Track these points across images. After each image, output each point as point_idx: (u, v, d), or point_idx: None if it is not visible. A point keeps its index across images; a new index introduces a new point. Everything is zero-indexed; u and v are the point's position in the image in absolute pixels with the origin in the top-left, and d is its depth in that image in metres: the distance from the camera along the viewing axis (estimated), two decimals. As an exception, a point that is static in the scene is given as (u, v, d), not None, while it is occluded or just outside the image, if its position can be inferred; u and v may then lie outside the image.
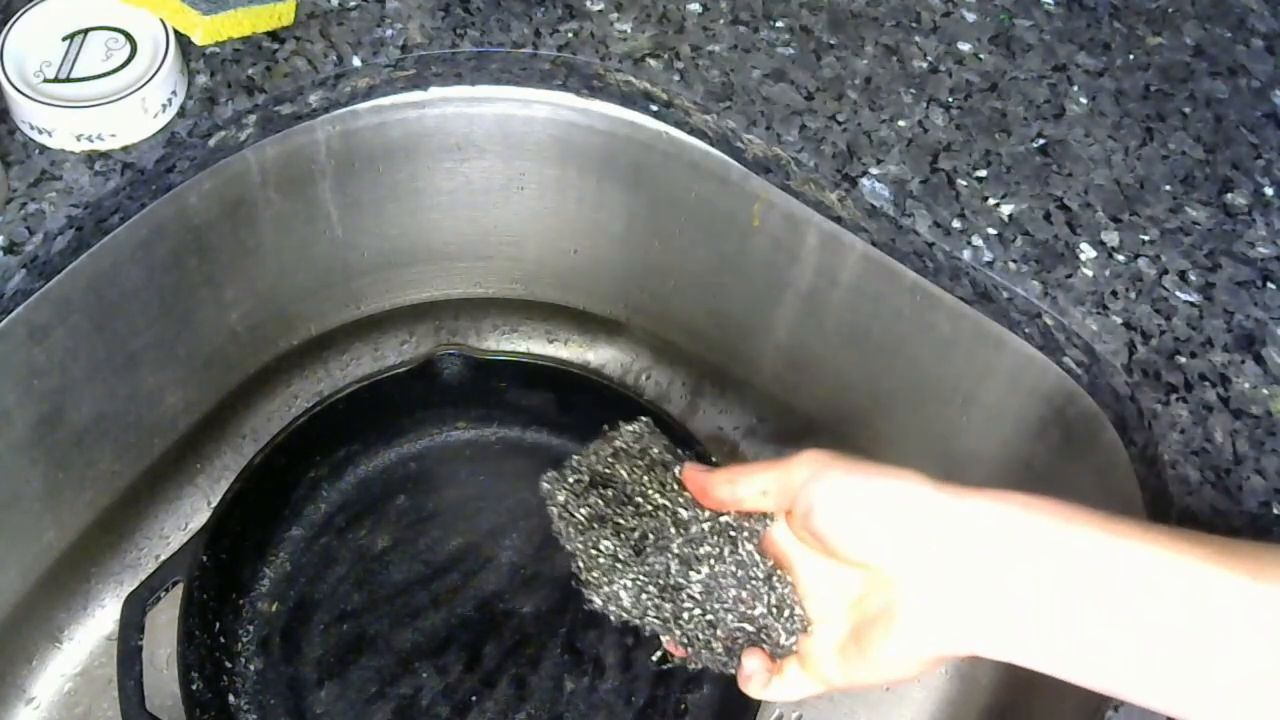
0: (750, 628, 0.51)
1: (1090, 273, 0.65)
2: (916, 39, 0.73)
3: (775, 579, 0.50)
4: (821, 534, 0.46)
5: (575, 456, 0.56)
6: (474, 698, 0.73)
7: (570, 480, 0.55)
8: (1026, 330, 0.66)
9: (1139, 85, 0.72)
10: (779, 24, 0.73)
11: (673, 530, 0.51)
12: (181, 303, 0.72)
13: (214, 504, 0.74)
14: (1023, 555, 0.42)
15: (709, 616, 0.51)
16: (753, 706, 0.69)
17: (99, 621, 0.78)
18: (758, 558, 0.50)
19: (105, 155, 0.63)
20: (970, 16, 0.75)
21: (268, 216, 0.74)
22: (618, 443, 0.55)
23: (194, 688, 0.68)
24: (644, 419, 0.55)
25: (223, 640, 0.73)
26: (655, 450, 0.54)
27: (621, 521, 0.53)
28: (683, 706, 0.74)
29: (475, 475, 0.82)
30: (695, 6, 0.73)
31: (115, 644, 0.67)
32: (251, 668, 0.74)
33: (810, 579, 0.50)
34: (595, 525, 0.53)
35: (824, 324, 0.76)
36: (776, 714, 0.78)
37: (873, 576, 0.46)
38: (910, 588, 0.44)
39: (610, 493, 0.53)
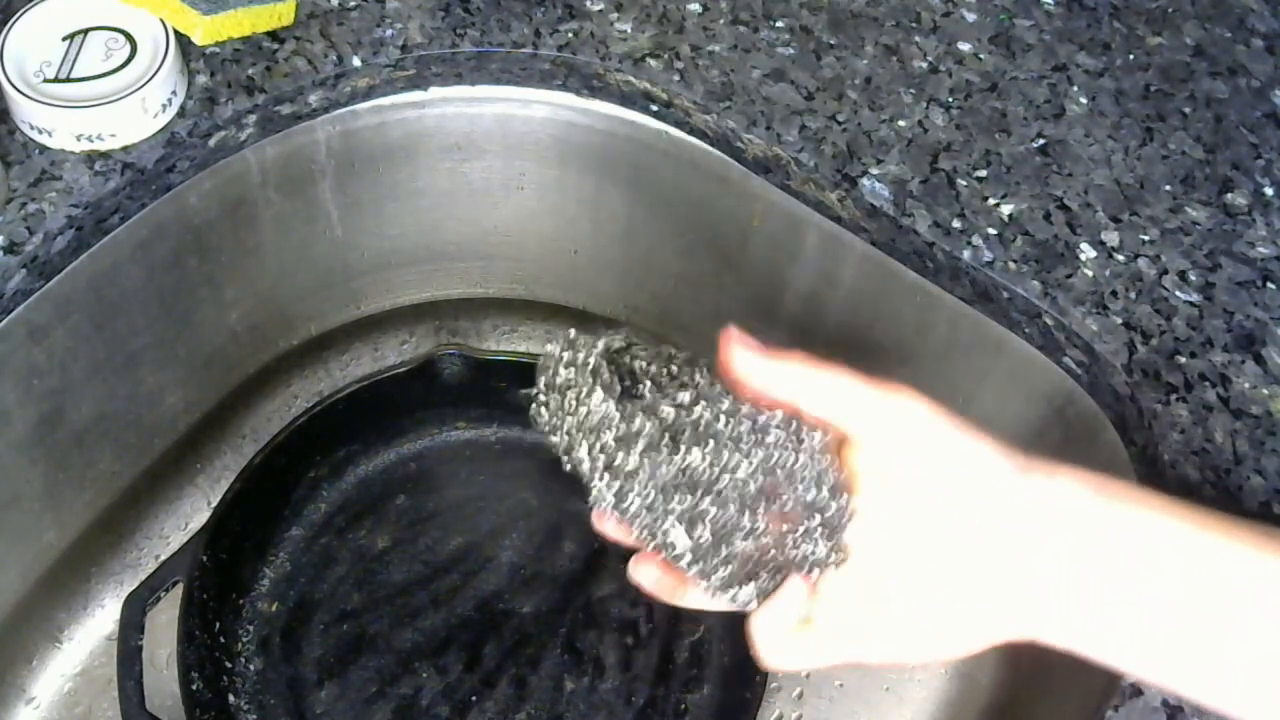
0: (792, 536, 0.43)
1: (1090, 273, 0.65)
2: (916, 39, 0.73)
3: (837, 485, 0.43)
4: (899, 480, 0.42)
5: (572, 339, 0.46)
6: (474, 698, 0.73)
7: (579, 355, 0.46)
8: (1026, 330, 0.66)
9: (1139, 85, 0.72)
10: (779, 24, 0.73)
11: (712, 416, 0.43)
12: (181, 303, 0.72)
13: (214, 504, 0.74)
14: (1095, 540, 0.41)
15: (743, 521, 0.43)
16: (753, 706, 0.69)
17: (99, 621, 0.78)
18: (822, 459, 0.43)
19: (105, 155, 0.63)
20: (970, 16, 0.75)
21: (268, 216, 0.74)
22: (615, 340, 0.46)
23: (194, 688, 0.68)
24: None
25: (223, 640, 0.73)
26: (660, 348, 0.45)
27: (650, 400, 0.43)
28: (683, 706, 0.74)
29: (475, 475, 0.82)
30: (695, 6, 0.73)
31: (115, 644, 0.67)
32: (251, 668, 0.74)
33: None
34: (620, 402, 0.44)
35: (824, 324, 0.76)
36: (776, 714, 0.78)
37: (919, 541, 0.43)
38: (963, 564, 0.42)
39: (624, 375, 0.45)
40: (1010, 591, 0.42)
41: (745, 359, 0.44)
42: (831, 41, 0.73)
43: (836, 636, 0.45)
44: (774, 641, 0.45)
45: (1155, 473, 0.59)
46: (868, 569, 0.44)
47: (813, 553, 0.43)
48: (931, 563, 0.42)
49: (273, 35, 0.69)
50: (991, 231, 0.66)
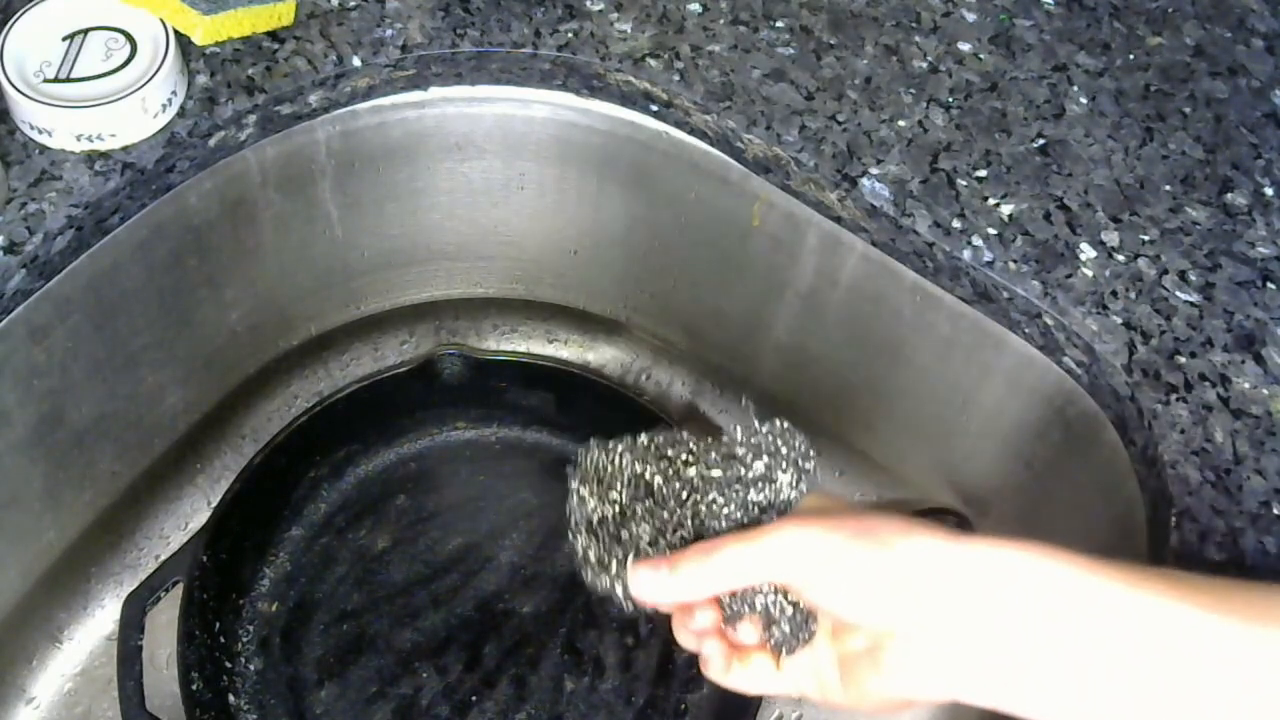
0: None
1: (1090, 273, 0.65)
2: (916, 39, 0.73)
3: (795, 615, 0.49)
4: (818, 609, 0.46)
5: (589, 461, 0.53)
6: (474, 698, 0.73)
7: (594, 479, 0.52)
8: (1026, 330, 0.66)
9: (1139, 85, 0.72)
10: (779, 24, 0.73)
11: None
12: (181, 303, 0.72)
13: (214, 504, 0.74)
14: (1016, 602, 0.41)
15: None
16: (753, 707, 0.69)
17: (99, 621, 0.78)
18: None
19: (105, 155, 0.63)
20: (970, 16, 0.75)
21: (268, 216, 0.74)
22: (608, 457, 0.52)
23: (194, 688, 0.68)
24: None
25: (223, 640, 0.73)
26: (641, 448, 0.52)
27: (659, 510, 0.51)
28: (683, 706, 0.74)
29: (475, 475, 0.82)
30: (695, 6, 0.73)
31: (115, 644, 0.67)
32: (251, 668, 0.74)
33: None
34: (633, 514, 0.51)
35: (824, 324, 0.76)
36: (776, 714, 0.78)
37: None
38: (903, 637, 0.44)
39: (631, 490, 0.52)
40: (933, 656, 0.43)
41: (649, 584, 0.47)
42: (831, 41, 0.73)
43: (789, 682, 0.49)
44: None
45: (1155, 473, 0.59)
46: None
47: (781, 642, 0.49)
48: (862, 638, 0.46)
49: (273, 35, 0.69)
50: (991, 231, 0.66)
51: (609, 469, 0.51)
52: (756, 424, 0.51)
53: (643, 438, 0.52)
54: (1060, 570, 0.41)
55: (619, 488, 0.51)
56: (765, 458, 0.50)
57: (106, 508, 0.76)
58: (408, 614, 0.76)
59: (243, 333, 0.79)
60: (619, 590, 0.49)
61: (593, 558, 0.50)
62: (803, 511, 0.48)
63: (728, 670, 0.50)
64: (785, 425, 0.51)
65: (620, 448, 0.52)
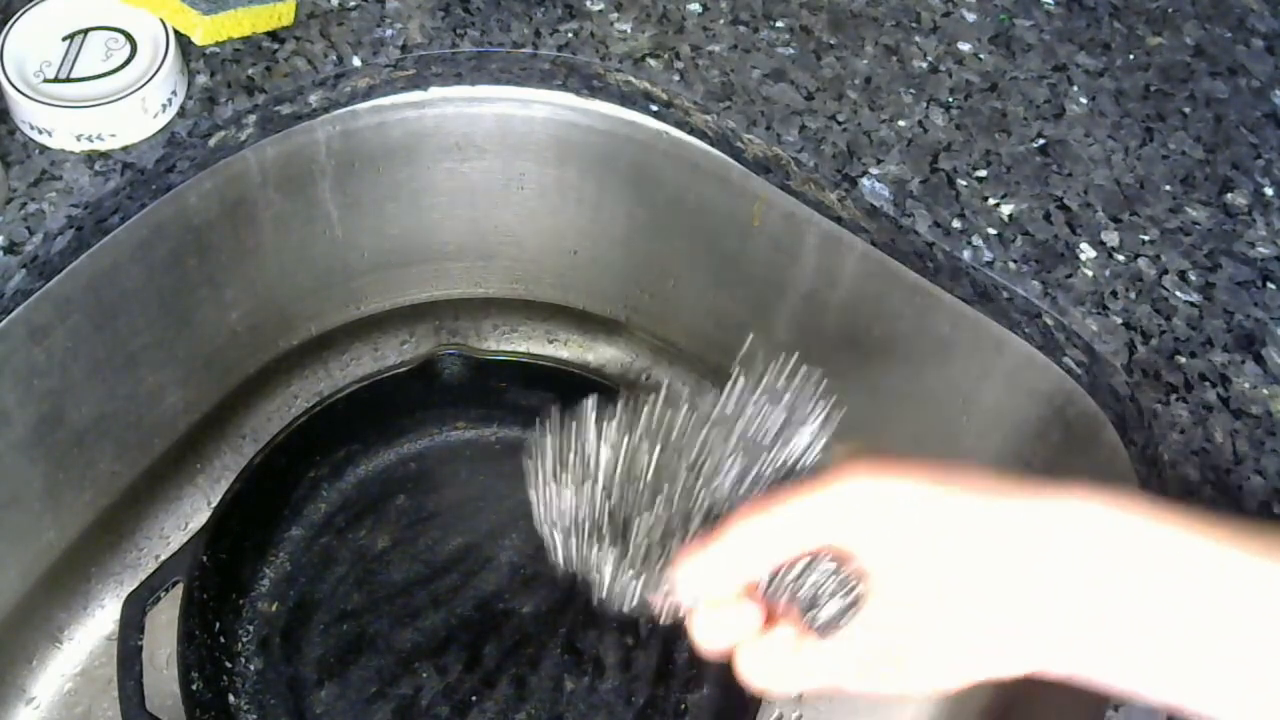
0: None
1: (1090, 273, 0.65)
2: (916, 39, 0.73)
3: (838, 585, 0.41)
4: (895, 577, 0.40)
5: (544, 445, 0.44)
6: (474, 698, 0.73)
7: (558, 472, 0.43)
8: (1026, 330, 0.66)
9: (1139, 85, 0.72)
10: (779, 24, 0.73)
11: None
12: (181, 303, 0.72)
13: (214, 504, 0.74)
14: (1085, 553, 0.39)
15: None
16: (753, 707, 0.69)
17: (99, 621, 0.78)
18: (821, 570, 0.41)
19: (105, 155, 0.63)
20: (970, 16, 0.75)
21: (268, 216, 0.74)
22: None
23: (194, 688, 0.68)
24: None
25: (223, 640, 0.73)
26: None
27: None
28: (683, 706, 0.74)
29: (475, 475, 0.82)
30: (695, 6, 0.73)
31: (115, 644, 0.67)
32: (251, 668, 0.74)
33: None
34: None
35: (824, 324, 0.76)
36: (776, 714, 0.78)
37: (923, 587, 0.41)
38: (973, 605, 0.40)
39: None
40: (1025, 619, 0.40)
41: (694, 576, 0.41)
42: (831, 41, 0.73)
43: (836, 660, 0.43)
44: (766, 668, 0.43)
45: (1155, 473, 0.59)
46: (883, 619, 0.42)
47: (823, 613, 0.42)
48: (949, 602, 0.41)
49: (273, 35, 0.69)
50: (991, 231, 0.66)
51: (579, 449, 0.43)
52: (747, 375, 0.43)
53: (607, 410, 0.43)
54: (1158, 529, 0.38)
55: (596, 471, 0.42)
56: (780, 410, 0.42)
57: (106, 508, 0.76)
58: (408, 614, 0.76)
59: (243, 333, 0.79)
60: (629, 594, 0.42)
61: (581, 559, 0.43)
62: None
63: (762, 667, 0.43)
64: (793, 366, 0.43)
65: (586, 423, 0.43)
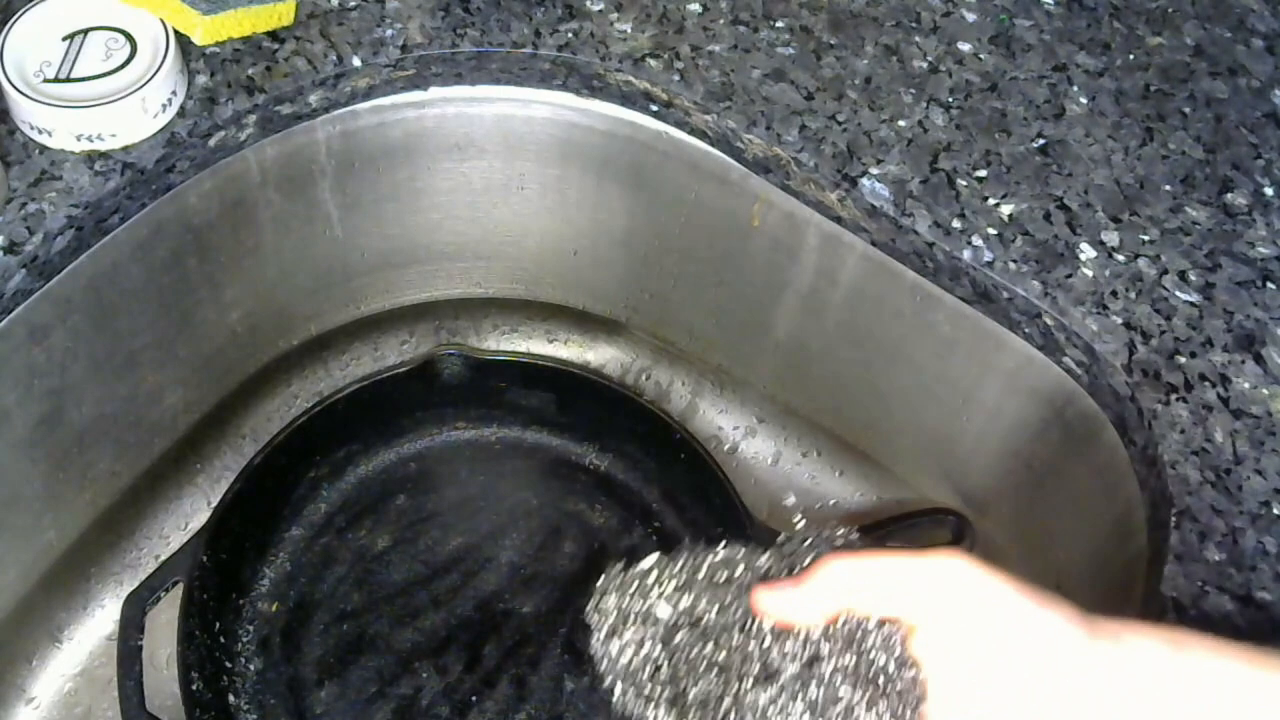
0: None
1: (1090, 273, 0.65)
2: (916, 39, 0.73)
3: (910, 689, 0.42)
4: (965, 655, 0.40)
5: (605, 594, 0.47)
6: (474, 698, 0.73)
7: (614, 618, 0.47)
8: (1026, 330, 0.66)
9: (1139, 85, 0.72)
10: (779, 24, 0.73)
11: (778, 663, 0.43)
12: (181, 303, 0.72)
13: (214, 504, 0.74)
14: (1175, 698, 0.39)
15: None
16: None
17: (99, 621, 0.78)
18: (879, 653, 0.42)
19: (105, 155, 0.63)
20: (970, 16, 0.75)
21: (268, 216, 0.74)
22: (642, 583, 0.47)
23: (194, 688, 0.68)
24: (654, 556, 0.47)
25: (223, 640, 0.73)
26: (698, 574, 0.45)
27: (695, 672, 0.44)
28: (683, 706, 0.74)
29: (475, 475, 0.82)
30: (695, 6, 0.73)
31: (115, 644, 0.67)
32: (251, 668, 0.74)
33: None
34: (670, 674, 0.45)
35: (824, 324, 0.76)
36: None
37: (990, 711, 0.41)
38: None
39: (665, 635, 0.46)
40: None
41: (777, 604, 0.42)
42: (831, 41, 0.73)
43: None
44: None
45: (1155, 473, 0.59)
46: None
47: None
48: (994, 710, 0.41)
49: (273, 35, 0.69)
50: (991, 231, 0.66)
51: (642, 606, 0.45)
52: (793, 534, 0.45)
53: (665, 561, 0.46)
54: (1188, 663, 0.39)
55: (656, 630, 0.45)
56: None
57: (106, 508, 0.76)
58: (408, 614, 0.76)
59: (243, 333, 0.79)
60: None
61: (639, 712, 0.45)
62: None
63: None
64: (840, 532, 0.45)
65: (646, 572, 0.46)
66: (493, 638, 0.76)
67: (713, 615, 0.44)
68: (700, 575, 0.45)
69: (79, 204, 0.62)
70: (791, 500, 0.85)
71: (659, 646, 0.45)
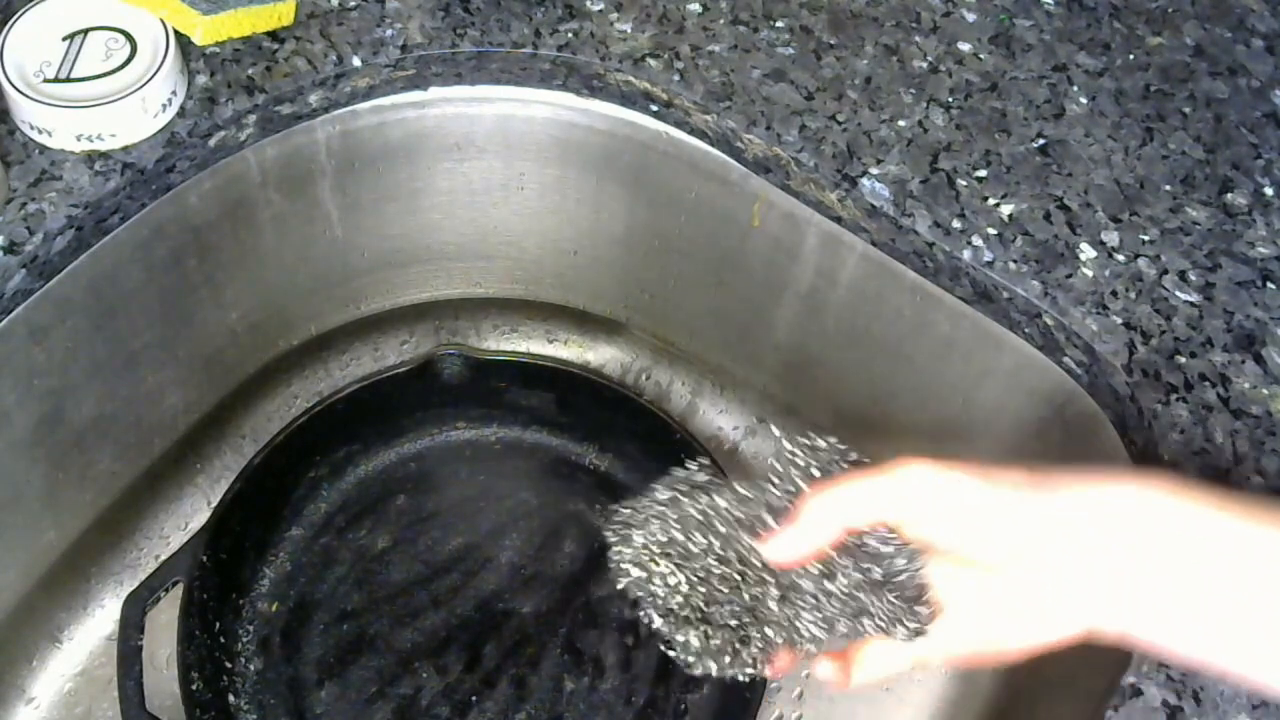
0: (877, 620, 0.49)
1: (1090, 273, 0.65)
2: (916, 39, 0.73)
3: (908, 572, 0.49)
4: (942, 547, 0.47)
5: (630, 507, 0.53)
6: (474, 698, 0.73)
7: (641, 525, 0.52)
8: (1026, 330, 0.66)
9: (1139, 85, 0.72)
10: (779, 24, 0.73)
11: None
12: (181, 303, 0.72)
13: (214, 504, 0.74)
14: (1148, 536, 0.43)
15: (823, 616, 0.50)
16: (753, 706, 0.69)
17: (99, 621, 0.78)
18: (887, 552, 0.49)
19: (105, 155, 0.63)
20: (970, 16, 0.75)
21: (268, 216, 0.74)
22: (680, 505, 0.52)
23: (194, 688, 0.68)
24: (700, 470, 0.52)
25: (223, 640, 0.73)
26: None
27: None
28: (683, 707, 0.74)
29: (475, 475, 0.82)
30: (695, 6, 0.73)
31: (115, 644, 0.67)
32: (251, 668, 0.74)
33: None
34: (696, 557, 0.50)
35: (824, 324, 0.76)
36: (776, 714, 0.78)
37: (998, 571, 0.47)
38: (1031, 578, 0.45)
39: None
40: (1071, 589, 0.45)
41: (781, 548, 0.48)
42: (831, 41, 0.73)
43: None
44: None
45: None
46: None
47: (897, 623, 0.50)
48: (998, 576, 0.47)
49: (273, 35, 0.69)
50: (991, 231, 0.66)
51: (671, 537, 0.50)
52: (793, 444, 0.50)
53: (673, 495, 0.51)
54: (1188, 507, 0.43)
55: (687, 558, 0.50)
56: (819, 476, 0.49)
57: (106, 508, 0.76)
58: (408, 614, 0.76)
59: (243, 333, 0.79)
60: (714, 666, 0.50)
61: (672, 634, 0.50)
62: None
63: (848, 676, 0.53)
64: (830, 442, 0.51)
65: (676, 505, 0.51)
66: (493, 638, 0.76)
67: (737, 545, 0.49)
68: (721, 503, 0.50)
69: (79, 204, 0.62)
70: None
71: (686, 575, 0.50)
